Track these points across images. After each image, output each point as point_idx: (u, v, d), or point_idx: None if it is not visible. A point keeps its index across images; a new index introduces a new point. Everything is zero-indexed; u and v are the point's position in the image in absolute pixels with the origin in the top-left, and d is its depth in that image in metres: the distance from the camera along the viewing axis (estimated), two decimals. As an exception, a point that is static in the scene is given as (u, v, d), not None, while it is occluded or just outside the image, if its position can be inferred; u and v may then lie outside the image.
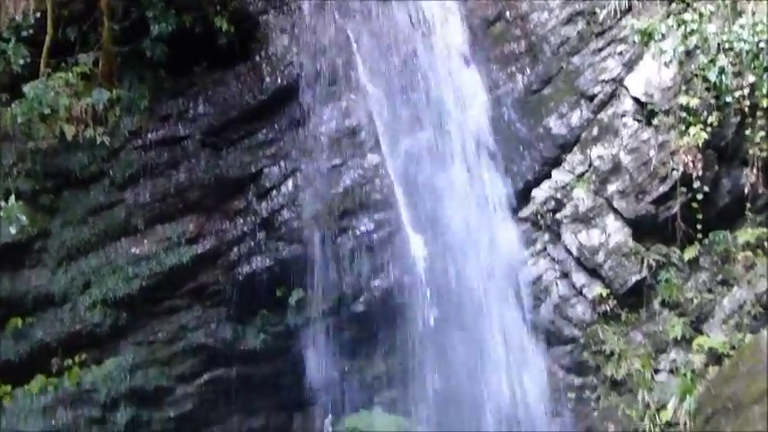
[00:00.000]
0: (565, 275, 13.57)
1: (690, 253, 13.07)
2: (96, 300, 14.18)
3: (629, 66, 13.50)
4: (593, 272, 13.30)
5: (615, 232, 13.24)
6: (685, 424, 12.05)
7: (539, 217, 13.74)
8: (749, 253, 12.78)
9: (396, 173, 14.03)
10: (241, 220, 14.39)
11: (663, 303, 13.13)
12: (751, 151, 12.96)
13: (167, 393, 14.65)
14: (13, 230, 11.51)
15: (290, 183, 14.28)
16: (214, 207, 14.43)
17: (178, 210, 14.40)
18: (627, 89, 13.35)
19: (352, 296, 14.35)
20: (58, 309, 14.33)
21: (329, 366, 14.61)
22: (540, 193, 13.76)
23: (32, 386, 13.93)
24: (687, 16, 13.07)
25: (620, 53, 13.55)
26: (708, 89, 12.92)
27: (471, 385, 13.56)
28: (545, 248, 13.77)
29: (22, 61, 13.62)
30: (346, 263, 14.13)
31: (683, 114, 12.89)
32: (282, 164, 14.32)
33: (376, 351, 14.55)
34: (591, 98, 13.56)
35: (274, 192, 14.32)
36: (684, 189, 12.95)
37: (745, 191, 13.04)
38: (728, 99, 12.88)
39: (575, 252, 13.41)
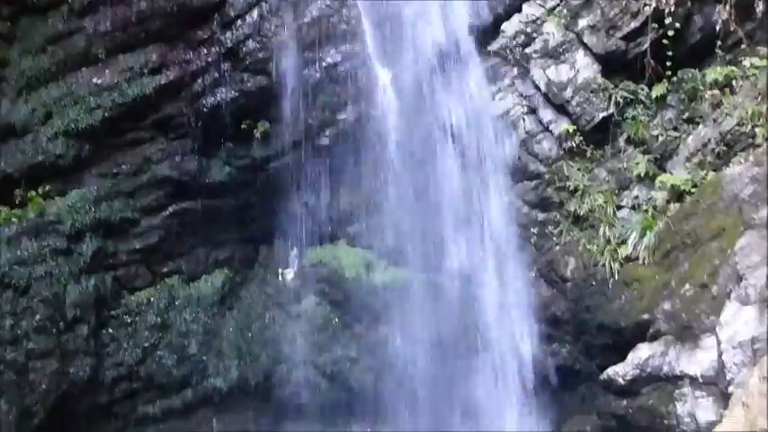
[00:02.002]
0: (532, 111, 13.53)
1: (658, 90, 13.02)
2: (58, 130, 13.99)
3: None
4: (561, 108, 13.26)
5: (584, 68, 13.14)
6: (644, 259, 12.27)
7: (507, 51, 13.58)
8: (716, 91, 12.72)
9: (363, 3, 13.70)
10: (205, 51, 14.05)
11: (628, 140, 13.17)
12: (725, -13, 12.77)
13: (133, 225, 14.69)
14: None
15: (255, 12, 13.85)
16: (177, 37, 14.05)
17: (140, 39, 14.00)
18: None
19: (318, 129, 14.27)
20: (19, 140, 14.12)
21: (295, 199, 14.66)
22: (509, 27, 13.54)
23: (-4, 217, 13.90)
24: None
25: None
26: None
27: (437, 217, 13.69)
28: (513, 83, 13.66)
29: None
30: (312, 95, 13.99)
31: (659, -54, 12.63)
32: (248, -8, 13.92)
33: (341, 185, 14.59)
34: (565, -74, 13.19)
35: (239, 21, 13.90)
36: (656, 25, 12.80)
37: (717, 28, 12.93)
38: (706, -69, 12.61)
39: (543, 87, 13.33)
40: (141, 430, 14.86)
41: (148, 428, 14.91)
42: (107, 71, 14.06)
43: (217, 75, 14.09)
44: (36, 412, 13.36)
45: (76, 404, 14.00)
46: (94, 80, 14.04)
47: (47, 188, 14.13)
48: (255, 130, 14.30)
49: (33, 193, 14.03)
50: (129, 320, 14.70)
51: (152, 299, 14.92)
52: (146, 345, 14.69)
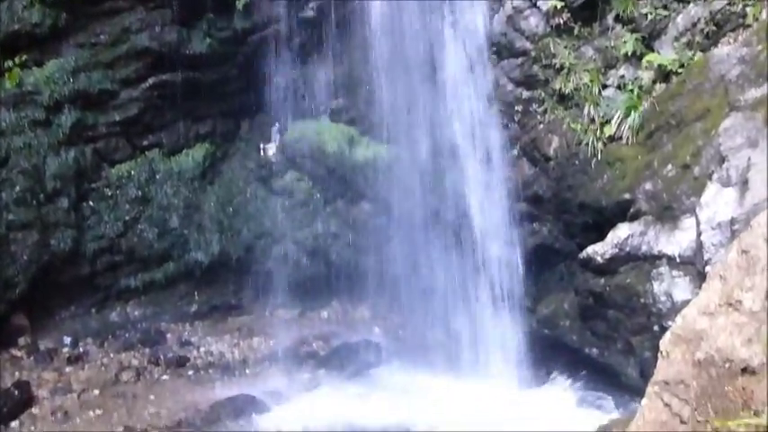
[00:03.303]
0: (520, -15, 13.26)
1: (650, -34, 12.74)
2: (34, -2, 13.70)
3: None
4: (550, -18, 12.98)
5: (575, -58, 12.82)
6: (628, 138, 12.16)
7: None
8: (709, -32, 12.46)
9: None
10: None
11: (617, 18, 12.87)
12: None
13: (112, 97, 14.52)
14: None
15: None
16: None
17: None
18: None
19: (302, 1, 13.96)
20: (-7, 8, 13.79)
21: (277, 73, 14.46)
22: None
23: (-28, 88, 13.66)
24: None
25: None
26: None
27: (422, 94, 13.55)
28: (501, -44, 13.36)
29: None
30: (296, -35, 13.72)
31: None
32: None
33: (325, 59, 14.37)
34: None
35: None
36: None
37: None
38: None
39: (532, -39, 13.04)
40: (123, 303, 15.00)
41: (130, 301, 15.04)
42: (83, -65, 13.68)
43: (196, -57, 13.73)
44: (18, 282, 13.48)
45: (58, 276, 14.09)
46: (70, -55, 13.66)
47: (24, 58, 13.84)
48: (237, 1, 13.99)
49: (10, 63, 13.74)
50: (109, 193, 14.68)
51: (132, 172, 14.87)
52: (127, 218, 14.71)
